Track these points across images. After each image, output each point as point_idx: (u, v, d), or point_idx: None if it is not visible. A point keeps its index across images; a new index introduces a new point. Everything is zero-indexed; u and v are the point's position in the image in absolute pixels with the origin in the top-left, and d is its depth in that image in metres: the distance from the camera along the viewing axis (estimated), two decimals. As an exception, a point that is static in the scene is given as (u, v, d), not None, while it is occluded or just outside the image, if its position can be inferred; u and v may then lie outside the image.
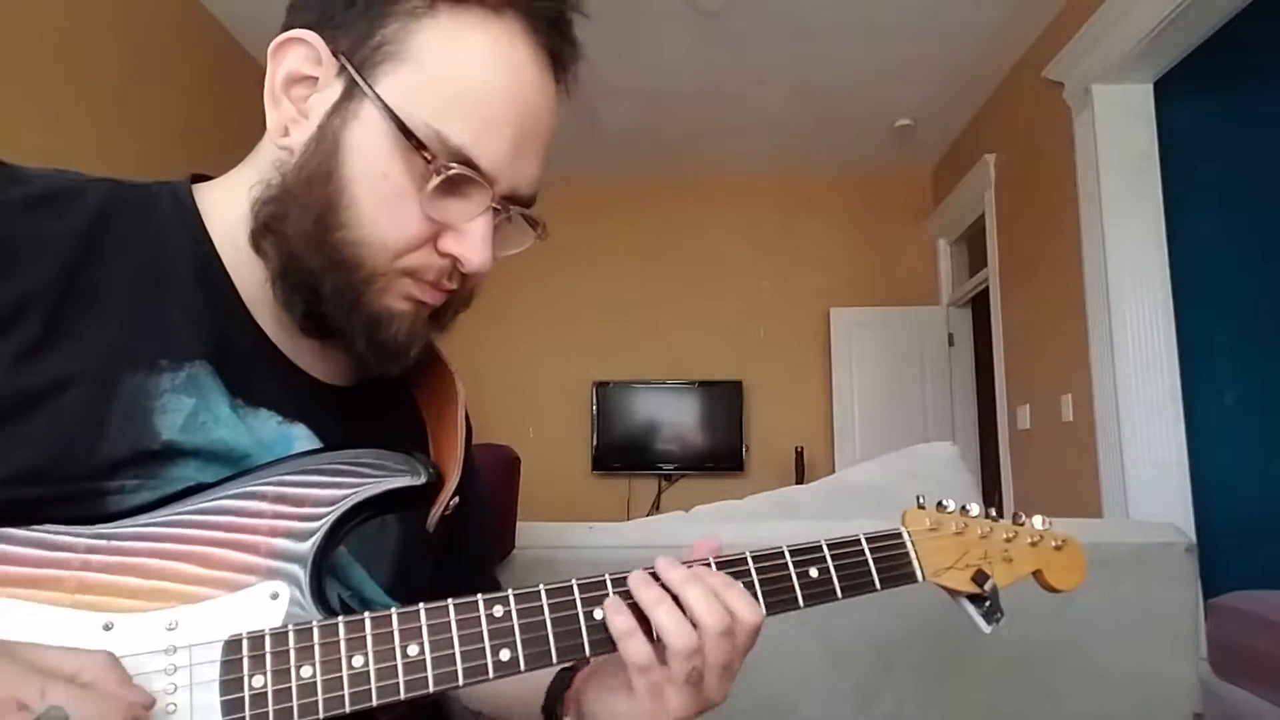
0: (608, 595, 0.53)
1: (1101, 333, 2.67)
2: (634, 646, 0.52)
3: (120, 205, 0.55)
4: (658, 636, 0.52)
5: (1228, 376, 2.63)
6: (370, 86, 0.52)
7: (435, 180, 0.52)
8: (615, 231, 4.67)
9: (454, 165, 0.53)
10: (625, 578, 0.54)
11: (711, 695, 0.54)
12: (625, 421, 4.45)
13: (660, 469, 4.40)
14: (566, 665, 0.65)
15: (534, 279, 4.52)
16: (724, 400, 4.42)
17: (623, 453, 4.43)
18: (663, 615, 0.52)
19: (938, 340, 4.33)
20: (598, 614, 0.53)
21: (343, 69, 0.53)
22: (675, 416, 4.44)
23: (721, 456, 4.38)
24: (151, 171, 0.64)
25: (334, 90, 0.54)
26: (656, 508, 4.28)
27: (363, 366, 0.60)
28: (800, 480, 4.03)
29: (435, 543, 0.64)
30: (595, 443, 4.43)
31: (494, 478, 1.08)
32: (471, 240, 0.56)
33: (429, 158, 0.52)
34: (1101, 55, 2.64)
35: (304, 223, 0.53)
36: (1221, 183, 2.71)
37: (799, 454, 4.19)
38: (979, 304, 4.08)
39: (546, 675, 0.65)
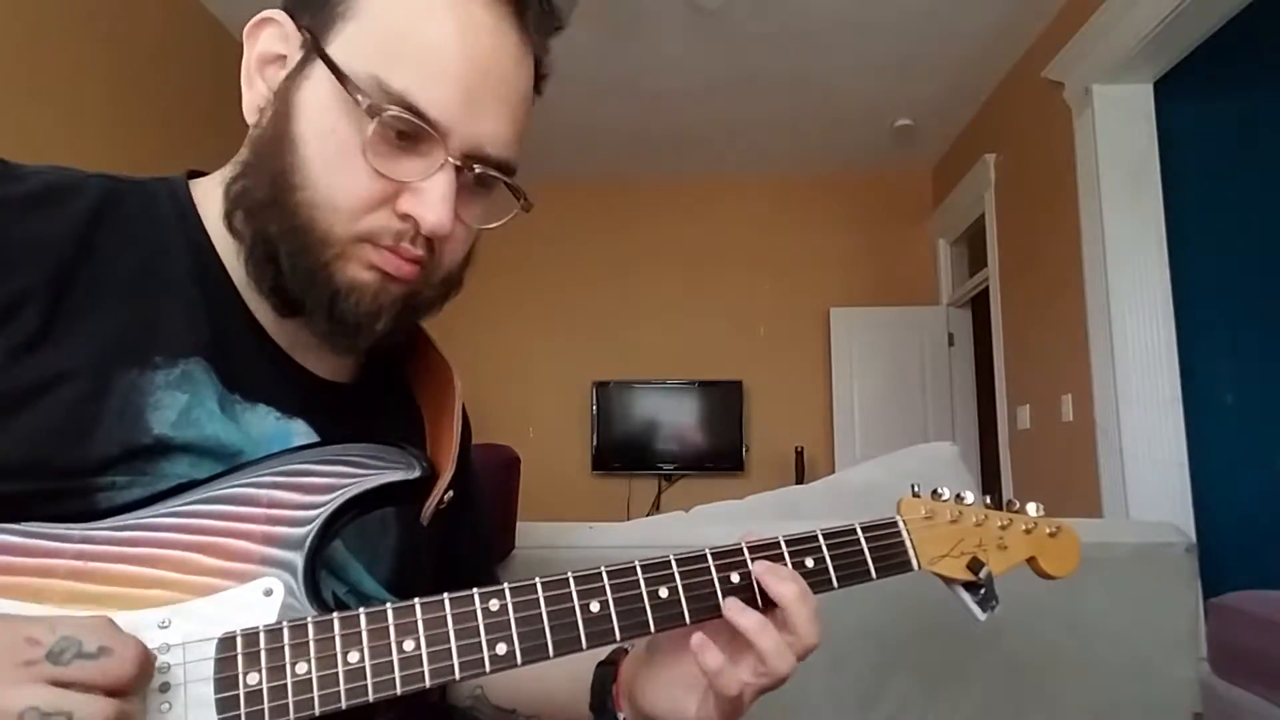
0: (602, 587, 0.53)
1: (1101, 332, 2.67)
2: (711, 655, 0.54)
3: (118, 202, 0.54)
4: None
5: (1228, 376, 2.63)
6: (318, 44, 0.52)
7: (372, 125, 0.50)
8: (615, 231, 4.67)
9: (392, 108, 0.50)
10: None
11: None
12: (625, 421, 4.44)
13: (660, 469, 4.40)
14: (604, 660, 0.65)
15: (534, 279, 4.52)
16: (724, 400, 4.42)
17: (623, 453, 4.42)
18: (768, 641, 0.54)
19: (938, 340, 4.32)
20: (594, 606, 0.53)
21: (305, 40, 0.53)
22: (675, 416, 4.44)
23: (721, 456, 4.38)
24: (150, 169, 0.64)
25: (297, 61, 0.54)
26: (656, 508, 4.28)
27: (331, 347, 0.58)
28: (800, 480, 4.03)
29: (434, 538, 0.64)
30: (595, 443, 4.43)
31: (494, 478, 1.08)
32: (427, 198, 0.52)
33: (360, 100, 0.50)
34: (1101, 55, 2.64)
35: (262, 189, 0.53)
36: (1221, 183, 2.71)
37: (799, 454, 4.18)
38: (979, 304, 4.07)
39: (584, 672, 0.65)
